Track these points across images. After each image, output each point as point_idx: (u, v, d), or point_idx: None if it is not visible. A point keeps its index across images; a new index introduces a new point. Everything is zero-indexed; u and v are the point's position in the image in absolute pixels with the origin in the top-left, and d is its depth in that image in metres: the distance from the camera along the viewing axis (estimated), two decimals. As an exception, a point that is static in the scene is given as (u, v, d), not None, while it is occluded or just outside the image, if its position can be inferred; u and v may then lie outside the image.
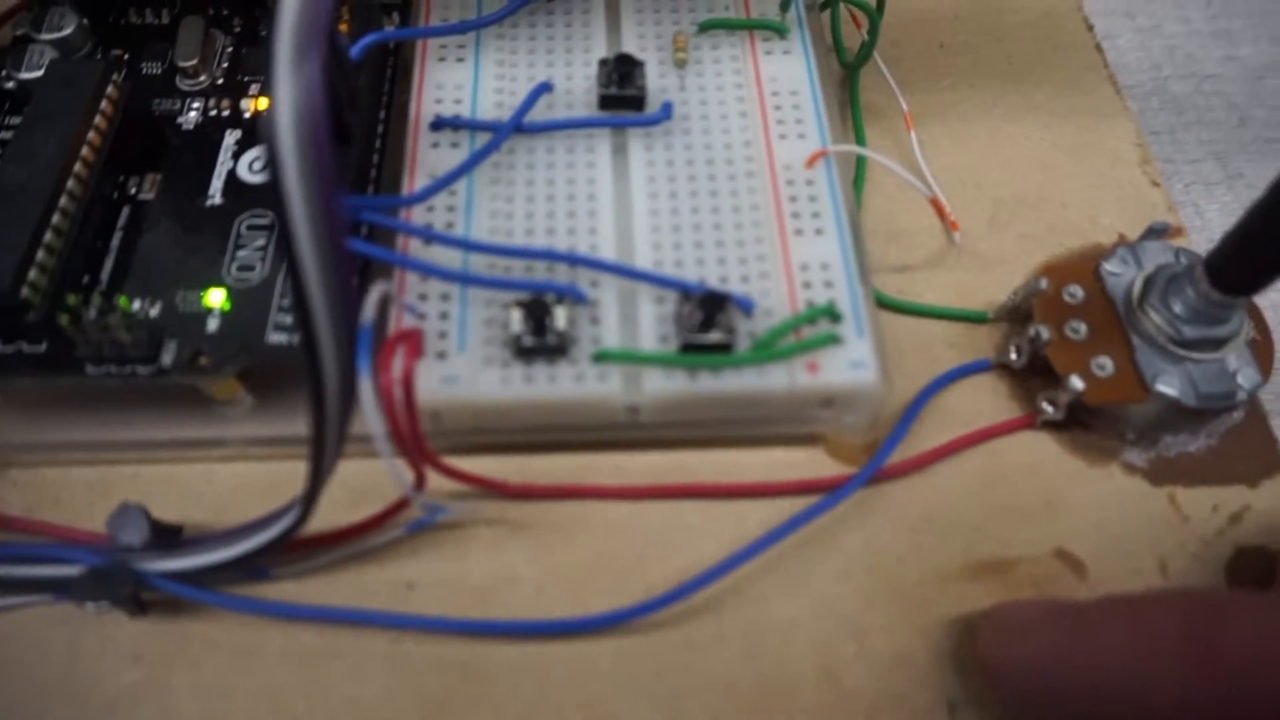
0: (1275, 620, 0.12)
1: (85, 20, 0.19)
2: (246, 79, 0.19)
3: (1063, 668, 0.14)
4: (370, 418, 0.13)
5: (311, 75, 0.11)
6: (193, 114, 0.19)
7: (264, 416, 0.17)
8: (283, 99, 0.11)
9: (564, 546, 0.17)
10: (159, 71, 0.19)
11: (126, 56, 0.19)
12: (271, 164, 0.11)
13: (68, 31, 0.19)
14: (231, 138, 0.19)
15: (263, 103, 0.19)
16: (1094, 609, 0.14)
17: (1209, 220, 0.25)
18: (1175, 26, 0.29)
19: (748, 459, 0.17)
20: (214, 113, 0.19)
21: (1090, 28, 0.24)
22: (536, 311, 0.15)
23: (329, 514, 0.16)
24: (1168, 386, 0.17)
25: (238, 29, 0.20)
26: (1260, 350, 0.18)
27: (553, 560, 0.17)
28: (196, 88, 0.19)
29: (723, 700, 0.16)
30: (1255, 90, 0.28)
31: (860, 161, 0.21)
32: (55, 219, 0.16)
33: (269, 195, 0.17)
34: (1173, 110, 0.27)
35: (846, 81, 0.22)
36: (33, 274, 0.15)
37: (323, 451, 0.13)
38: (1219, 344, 0.17)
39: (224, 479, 0.17)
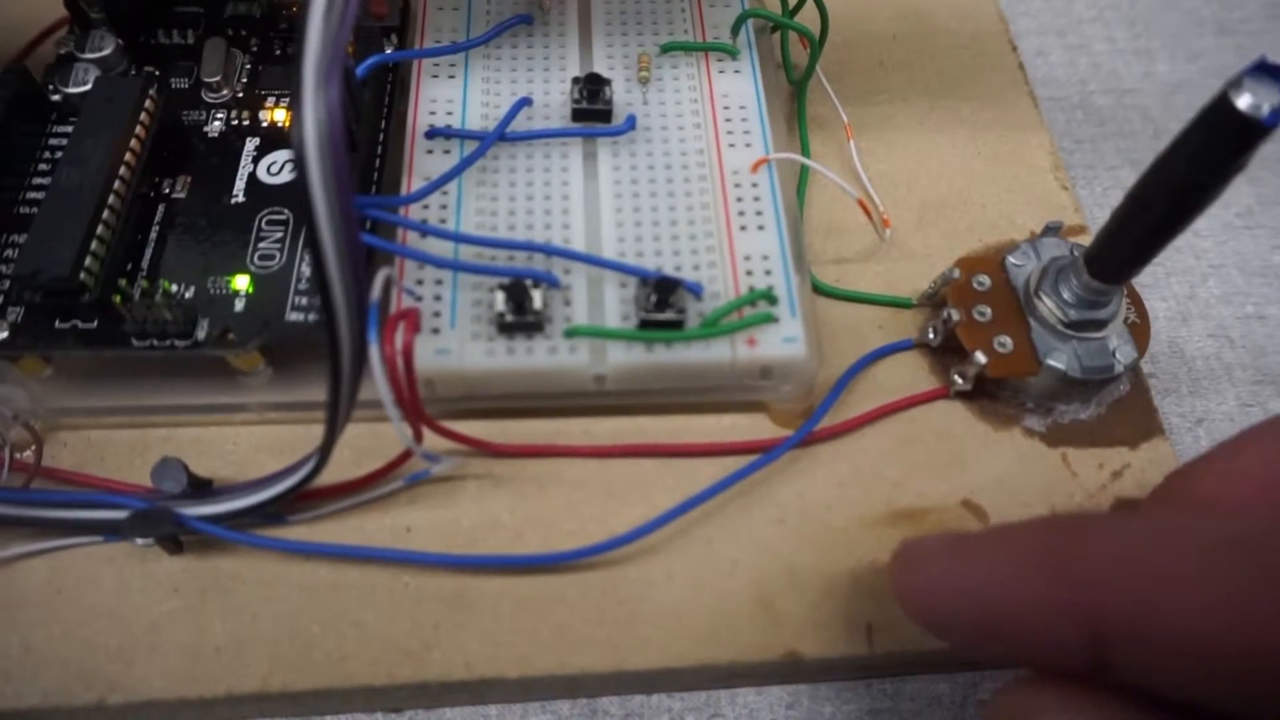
0: (1128, 536, 0.13)
1: (121, 41, 0.22)
2: (264, 93, 0.22)
3: (951, 591, 0.14)
4: (379, 381, 0.16)
5: (332, 96, 0.14)
6: (217, 123, 0.21)
7: (281, 385, 0.20)
8: (308, 116, 0.14)
9: (539, 497, 0.19)
10: (186, 86, 0.22)
11: (157, 73, 0.22)
12: (298, 171, 0.14)
13: (107, 51, 0.21)
14: (251, 144, 0.21)
15: (279, 114, 0.22)
16: (979, 537, 0.15)
17: (1120, 220, 0.28)
18: (1101, 45, 0.32)
19: (698, 423, 0.20)
20: (235, 122, 0.21)
21: (1014, 49, 0.27)
22: (517, 294, 0.18)
23: (336, 470, 0.18)
24: (1057, 361, 0.20)
25: (255, 48, 0.23)
26: (1138, 331, 0.20)
27: (529, 508, 0.19)
28: (220, 100, 0.22)
29: (674, 625, 0.18)
30: (1169, 104, 0.30)
31: (804, 168, 0.23)
32: (105, 215, 0.18)
33: (286, 194, 0.20)
34: (1095, 121, 0.30)
35: (795, 96, 0.25)
36: (88, 261, 0.18)
37: (337, 410, 0.16)
38: (1100, 325, 0.20)
39: (246, 440, 0.20)
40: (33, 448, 0.19)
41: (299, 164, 0.14)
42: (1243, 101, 0.14)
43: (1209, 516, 0.14)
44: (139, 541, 0.18)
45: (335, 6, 0.14)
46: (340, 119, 0.14)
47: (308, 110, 0.14)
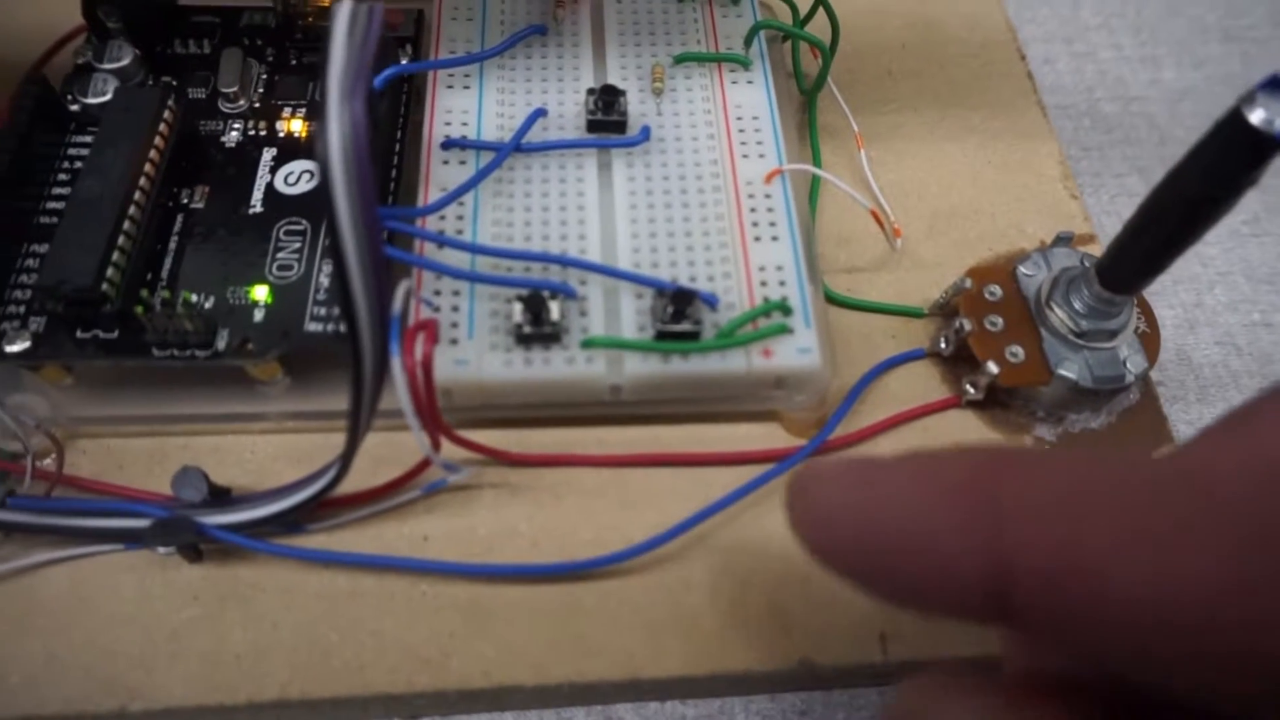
0: (1064, 465, 0.12)
1: (138, 51, 0.22)
2: (280, 103, 0.22)
3: (849, 518, 0.12)
4: (401, 392, 0.16)
5: (356, 110, 0.14)
6: (234, 133, 0.22)
7: (299, 394, 0.20)
8: (333, 130, 0.14)
9: (555, 506, 0.20)
10: (204, 96, 0.22)
11: (174, 83, 0.22)
12: (323, 184, 0.14)
13: (125, 62, 0.21)
14: (269, 154, 0.21)
15: (295, 124, 0.22)
16: (887, 463, 0.13)
17: (1128, 228, 0.28)
18: (1107, 53, 0.32)
19: (713, 433, 0.20)
20: (252, 132, 0.22)
21: (1023, 57, 0.27)
22: (535, 305, 0.18)
23: (354, 479, 0.18)
24: (1068, 371, 0.20)
25: (271, 58, 0.23)
26: (1148, 341, 0.21)
27: (546, 517, 0.19)
28: (236, 110, 0.22)
29: (690, 632, 0.18)
30: (1175, 112, 0.31)
31: (815, 178, 0.24)
32: (126, 225, 0.19)
33: (304, 205, 0.20)
34: (1102, 129, 0.30)
35: (806, 105, 0.25)
36: (110, 272, 0.18)
37: (359, 420, 0.16)
38: (1111, 335, 0.20)
39: (263, 448, 0.20)
40: (54, 456, 0.19)
41: (324, 177, 0.14)
42: (1255, 116, 0.15)
43: (1164, 458, 0.11)
44: (160, 550, 0.18)
45: (359, 23, 0.15)
46: (365, 133, 0.14)
47: (333, 124, 0.14)
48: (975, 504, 0.11)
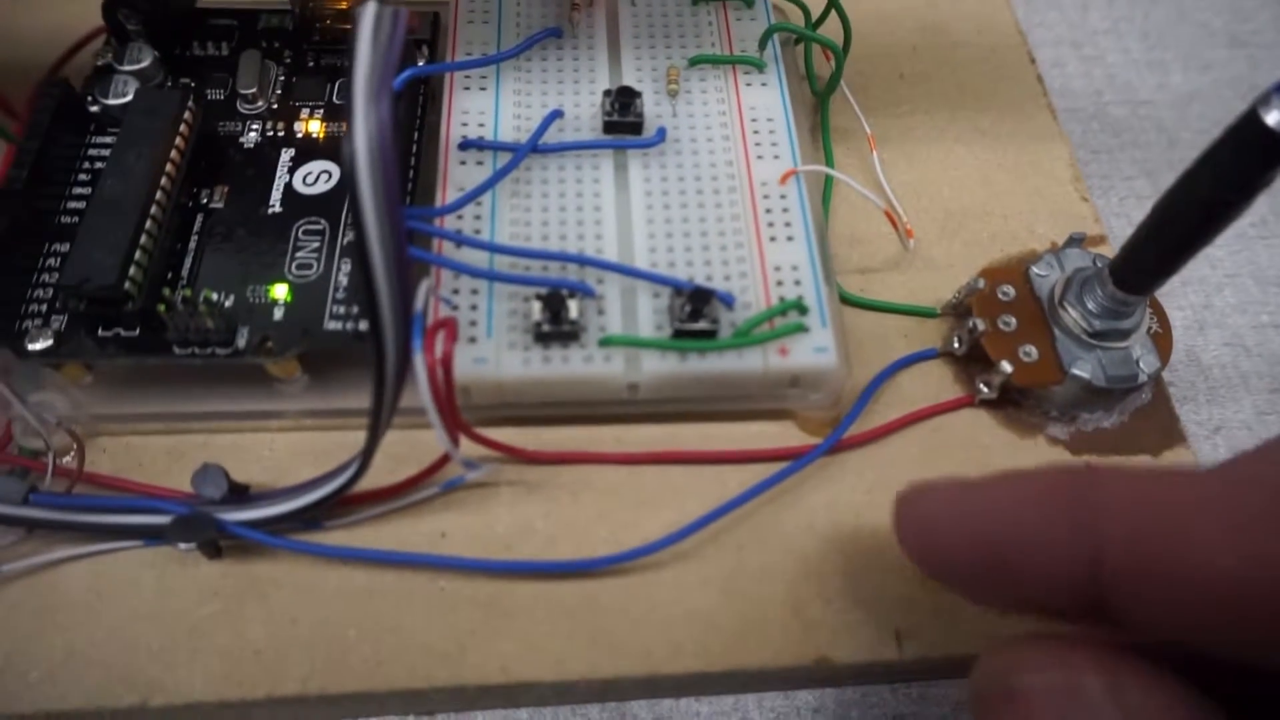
0: (1146, 473, 0.13)
1: (158, 53, 0.22)
2: (298, 104, 0.22)
3: (954, 520, 0.14)
4: (422, 390, 0.16)
5: (382, 112, 0.14)
6: (252, 134, 0.22)
7: (317, 392, 0.20)
8: (359, 132, 0.14)
9: (572, 503, 0.20)
10: (222, 97, 0.22)
11: (193, 84, 0.22)
12: (350, 184, 0.14)
13: (146, 64, 0.22)
14: (287, 155, 0.21)
15: (313, 125, 0.22)
16: (986, 478, 0.14)
17: (1137, 230, 0.28)
18: (1116, 56, 0.32)
19: (728, 431, 0.21)
20: (271, 133, 0.22)
21: (1033, 60, 0.27)
22: (554, 303, 0.18)
23: (371, 476, 0.18)
24: (1081, 370, 0.20)
25: (288, 60, 0.23)
26: (1160, 341, 0.21)
27: (562, 514, 0.20)
28: (255, 111, 0.22)
29: (705, 630, 0.18)
30: (1183, 115, 0.31)
31: (828, 178, 0.24)
32: (148, 225, 0.19)
33: (322, 205, 0.21)
34: (1111, 132, 0.30)
35: (818, 107, 0.25)
36: (132, 271, 0.18)
37: (380, 418, 0.16)
38: (1124, 335, 0.20)
39: (281, 445, 0.20)
40: (75, 453, 0.19)
41: (350, 178, 0.14)
42: (1271, 118, 0.15)
43: (1234, 461, 0.13)
44: (181, 546, 0.18)
45: (384, 26, 0.15)
46: (391, 134, 0.14)
47: (359, 126, 0.14)
48: (1071, 504, 0.12)
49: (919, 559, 0.15)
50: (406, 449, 0.19)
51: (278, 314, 0.19)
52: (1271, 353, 0.26)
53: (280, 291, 0.19)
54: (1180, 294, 0.27)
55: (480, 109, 0.22)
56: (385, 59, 0.15)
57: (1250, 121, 0.15)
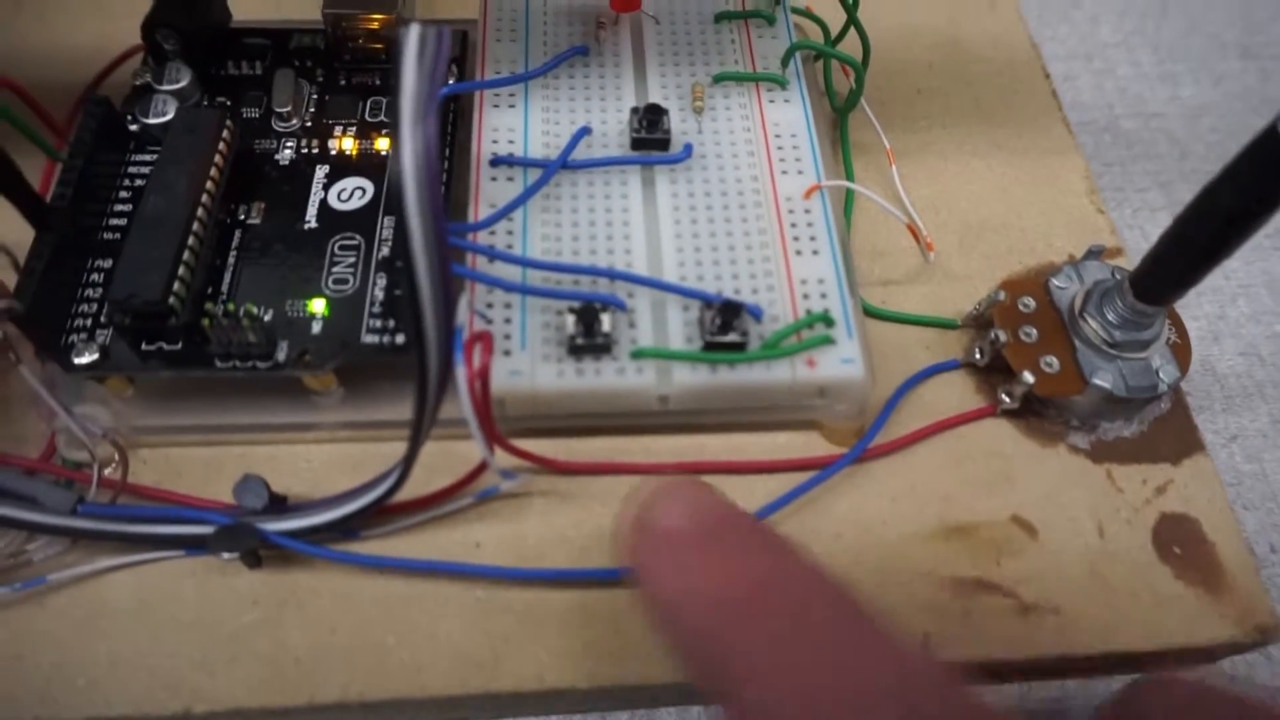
0: None
1: (195, 73, 0.23)
2: (331, 122, 0.23)
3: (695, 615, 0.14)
4: (464, 402, 0.16)
5: (429, 131, 0.15)
6: (287, 151, 0.22)
7: (353, 404, 0.20)
8: (406, 150, 0.15)
9: (603, 513, 0.20)
10: (257, 115, 0.23)
11: (229, 103, 0.23)
12: (398, 202, 0.15)
13: (184, 83, 0.22)
14: (321, 171, 0.22)
15: (347, 143, 0.22)
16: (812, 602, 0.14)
17: (1153, 241, 0.28)
18: (1127, 70, 0.33)
19: (756, 441, 0.21)
20: (305, 150, 0.22)
21: (1047, 75, 0.28)
22: (588, 316, 0.19)
23: (407, 487, 0.19)
24: (1102, 380, 0.20)
25: (321, 79, 0.24)
26: (1179, 351, 0.21)
27: (594, 524, 0.20)
28: (289, 129, 0.23)
29: (737, 636, 0.19)
30: (1194, 127, 0.31)
31: (849, 192, 0.24)
32: (190, 241, 0.19)
33: (357, 220, 0.21)
34: (1123, 144, 0.31)
35: (838, 123, 0.26)
36: (175, 286, 0.19)
37: (421, 429, 0.17)
38: (1144, 345, 0.21)
39: (318, 457, 0.21)
40: (117, 464, 0.19)
41: (398, 196, 0.14)
42: (1291, 135, 0.15)
43: None
44: (224, 555, 0.18)
45: (429, 46, 0.15)
46: (436, 153, 0.15)
47: (406, 145, 0.14)
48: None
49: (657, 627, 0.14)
50: (440, 460, 0.20)
51: (316, 328, 0.20)
52: (1286, 362, 0.27)
53: (318, 306, 0.20)
54: (1195, 304, 0.27)
55: (510, 126, 0.22)
56: (430, 78, 0.15)
57: (1271, 137, 0.15)
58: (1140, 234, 0.29)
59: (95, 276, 0.20)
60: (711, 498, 0.15)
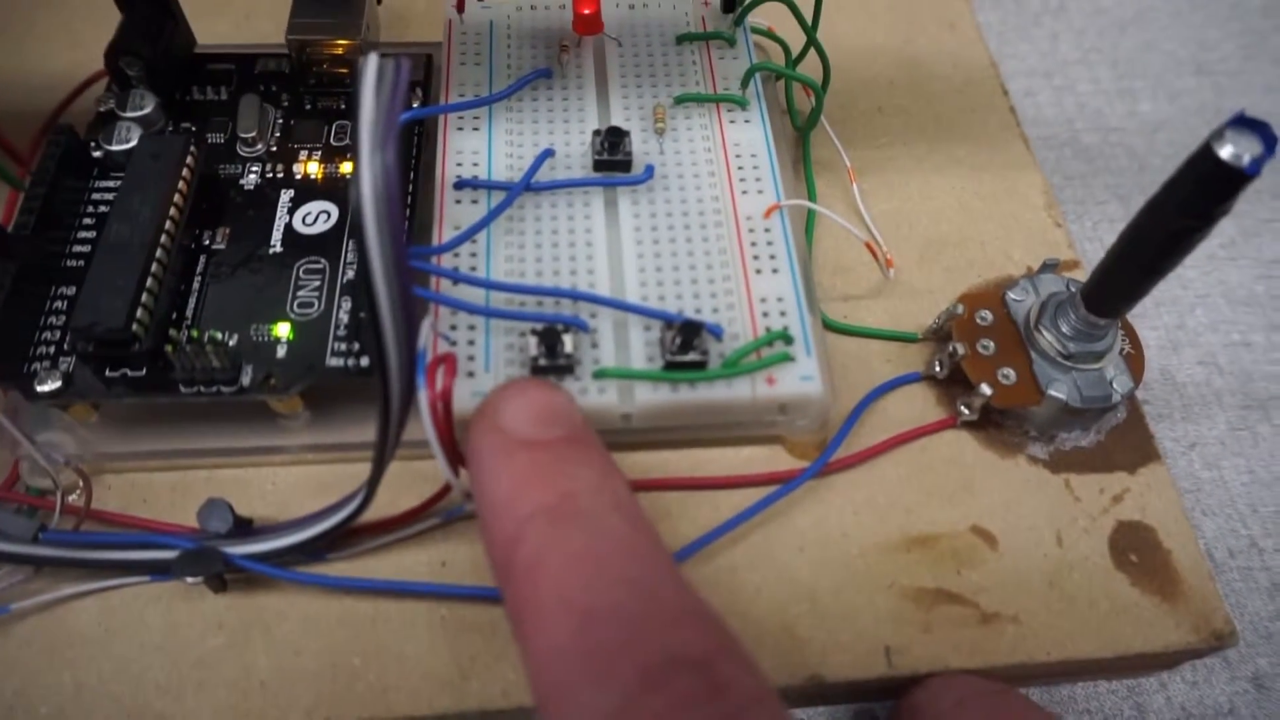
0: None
1: (159, 99, 0.23)
2: (296, 146, 0.23)
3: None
4: (426, 424, 0.16)
5: (387, 159, 0.15)
6: (252, 176, 0.22)
7: (319, 427, 0.20)
8: (365, 178, 0.15)
9: (570, 530, 0.20)
10: (222, 140, 0.23)
11: (194, 128, 0.23)
12: (357, 229, 0.15)
13: (148, 110, 0.22)
14: (286, 196, 0.22)
15: (312, 167, 0.23)
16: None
17: (1110, 253, 0.29)
18: (1086, 86, 0.33)
19: (719, 457, 0.21)
20: (270, 175, 0.22)
21: (1006, 92, 0.28)
22: (549, 338, 0.19)
23: (372, 508, 0.19)
24: (1058, 391, 0.21)
25: (286, 104, 0.24)
26: (1133, 361, 0.22)
27: (561, 542, 0.20)
28: (254, 154, 0.23)
29: (702, 651, 0.19)
30: (1152, 142, 0.32)
31: (811, 210, 0.25)
32: (153, 267, 0.19)
33: (322, 244, 0.21)
34: (1083, 159, 0.32)
35: (800, 141, 0.26)
36: (139, 313, 0.19)
37: (384, 451, 0.17)
38: (1098, 357, 0.21)
39: (284, 480, 0.21)
40: (82, 491, 0.19)
41: (357, 223, 0.15)
42: (1225, 151, 0.16)
43: None
44: (188, 580, 0.18)
45: (387, 76, 0.15)
46: (396, 181, 0.15)
47: (365, 174, 0.15)
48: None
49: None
50: (406, 481, 0.20)
51: (281, 352, 0.20)
52: (1243, 370, 0.27)
53: (283, 330, 0.20)
54: (1154, 314, 0.28)
55: (474, 149, 0.23)
56: (389, 108, 0.15)
57: (1206, 155, 0.16)
58: (1100, 246, 0.30)
59: (58, 304, 0.20)
60: (556, 402, 0.16)
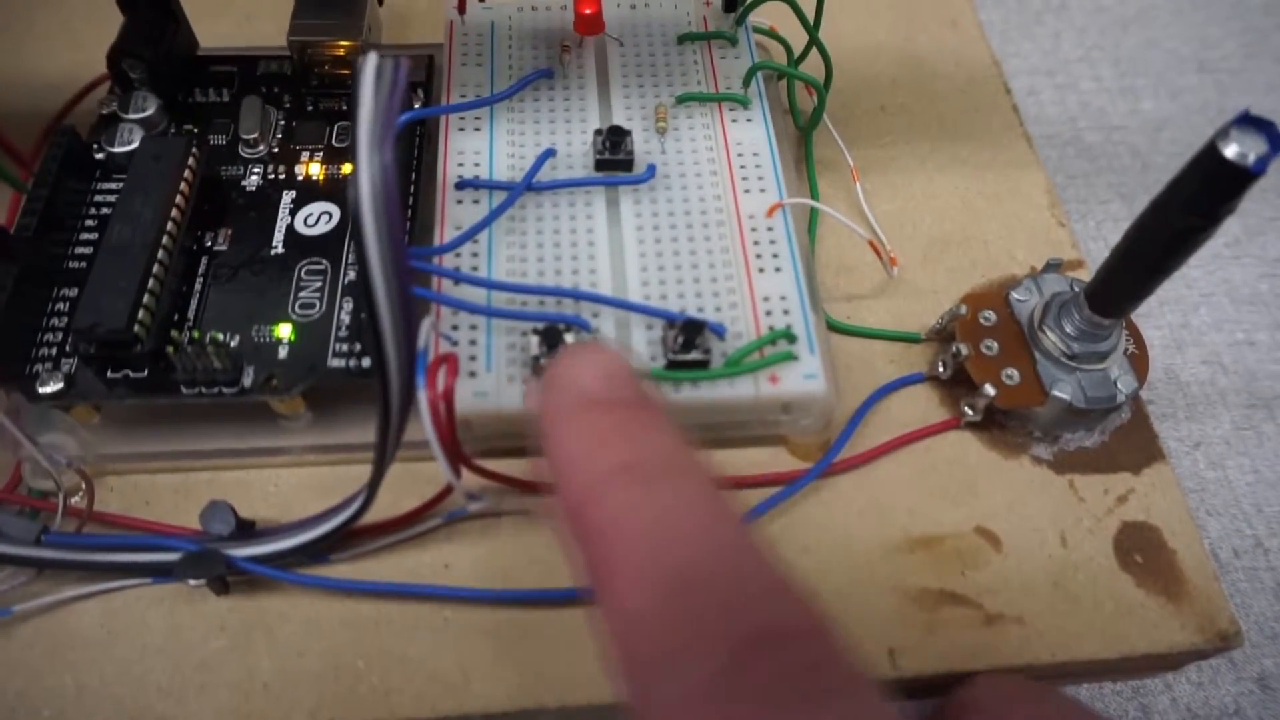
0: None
1: (161, 101, 0.23)
2: (298, 148, 0.23)
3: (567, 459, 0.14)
4: (426, 425, 0.16)
5: (385, 158, 0.15)
6: (254, 178, 0.22)
7: (321, 428, 0.20)
8: (364, 178, 0.15)
9: (572, 531, 0.20)
10: (224, 142, 0.23)
11: (196, 130, 0.23)
12: (355, 229, 0.15)
13: (150, 112, 0.22)
14: (288, 197, 0.22)
15: (314, 168, 0.23)
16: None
17: (1114, 253, 0.29)
18: (1089, 84, 0.33)
19: (723, 457, 0.21)
20: (272, 176, 0.22)
21: (1009, 91, 0.28)
22: (551, 337, 0.19)
23: (375, 509, 0.19)
24: (1062, 392, 0.21)
25: (287, 105, 0.24)
26: (1137, 362, 0.21)
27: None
28: (256, 156, 0.23)
29: (705, 653, 0.19)
30: (1155, 140, 0.32)
31: (814, 209, 0.25)
32: (155, 269, 0.19)
33: (324, 245, 0.21)
34: (1086, 157, 0.32)
35: (803, 140, 0.26)
36: (141, 314, 0.19)
37: (385, 452, 0.17)
38: (1102, 357, 0.21)
39: (286, 481, 0.21)
40: (84, 493, 0.19)
41: (356, 223, 0.15)
42: (1230, 151, 0.16)
43: None
44: (191, 582, 0.18)
45: (385, 76, 0.15)
46: (394, 180, 0.15)
47: (363, 173, 0.15)
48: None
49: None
50: (408, 482, 0.20)
51: (282, 353, 0.20)
52: (1247, 369, 0.27)
53: (284, 331, 0.20)
54: (1158, 314, 0.28)
55: (475, 149, 0.23)
56: (387, 107, 0.15)
57: (1211, 153, 0.16)
58: (1104, 245, 0.30)
59: (60, 306, 0.20)
60: (626, 366, 0.15)
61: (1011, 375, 0.21)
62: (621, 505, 0.13)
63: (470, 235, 0.21)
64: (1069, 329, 0.21)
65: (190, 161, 0.21)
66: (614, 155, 0.22)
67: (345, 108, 0.23)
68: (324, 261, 0.21)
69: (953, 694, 0.19)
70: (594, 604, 0.14)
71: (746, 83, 0.24)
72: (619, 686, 0.13)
